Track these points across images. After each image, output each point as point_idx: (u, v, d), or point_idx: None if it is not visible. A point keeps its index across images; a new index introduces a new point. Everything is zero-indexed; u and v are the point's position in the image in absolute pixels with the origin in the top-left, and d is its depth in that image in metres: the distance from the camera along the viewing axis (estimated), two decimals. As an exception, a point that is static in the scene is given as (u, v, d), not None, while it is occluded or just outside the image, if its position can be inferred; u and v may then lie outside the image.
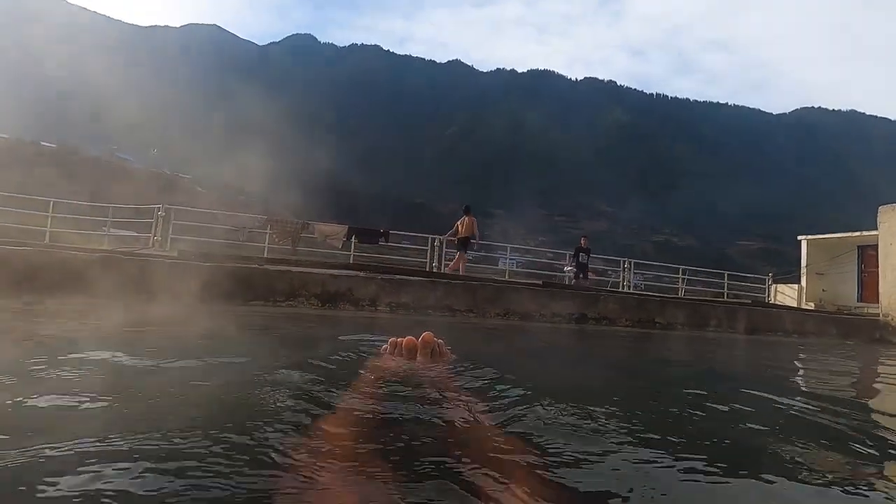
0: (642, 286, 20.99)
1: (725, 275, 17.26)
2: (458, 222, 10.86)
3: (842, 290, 12.29)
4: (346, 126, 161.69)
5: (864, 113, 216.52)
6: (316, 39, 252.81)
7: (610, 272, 17.52)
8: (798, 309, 8.35)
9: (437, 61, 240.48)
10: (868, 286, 9.88)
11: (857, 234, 10.86)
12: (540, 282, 4.25)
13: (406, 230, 15.32)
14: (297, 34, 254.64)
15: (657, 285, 19.03)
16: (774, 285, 15.79)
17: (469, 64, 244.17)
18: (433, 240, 13.48)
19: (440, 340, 1.24)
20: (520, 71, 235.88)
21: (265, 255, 8.45)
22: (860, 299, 11.54)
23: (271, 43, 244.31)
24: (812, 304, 12.40)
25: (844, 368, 2.45)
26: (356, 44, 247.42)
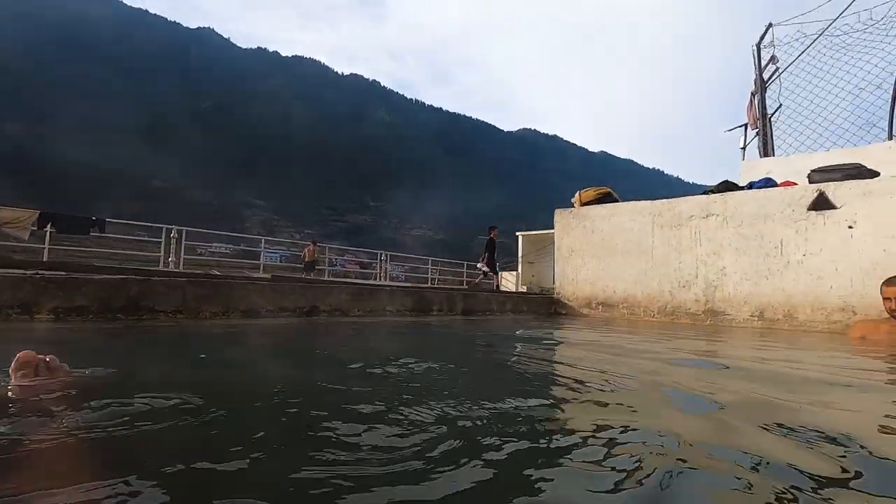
0: (402, 277, 22.64)
1: (465, 264, 20.08)
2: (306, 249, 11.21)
3: (545, 276, 15.50)
4: (50, 84, 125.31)
5: (563, 138, 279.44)
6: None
7: (374, 264, 18.36)
8: (502, 291, 10.18)
9: (184, 24, 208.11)
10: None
11: (552, 231, 13.98)
12: (269, 276, 4.05)
13: (144, 220, 12.70)
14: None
15: (413, 275, 20.82)
16: (501, 272, 19.05)
17: (225, 36, 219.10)
18: (170, 231, 11.66)
19: (47, 357, 1.03)
20: (284, 54, 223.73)
21: None
22: (554, 282, 14.86)
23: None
24: (525, 287, 15.29)
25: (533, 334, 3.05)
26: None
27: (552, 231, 6.53)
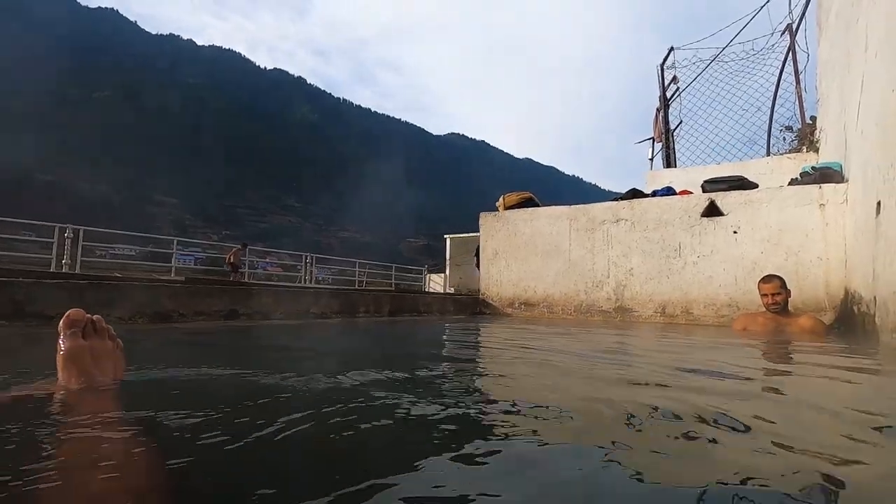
0: (329, 279, 22.05)
1: (393, 267, 20.03)
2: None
3: (472, 278, 15.85)
4: None
5: (489, 143, 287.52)
6: None
7: (299, 267, 17.75)
8: (428, 293, 10.33)
9: (82, 3, 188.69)
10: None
11: (479, 234, 14.34)
12: (182, 277, 3.83)
13: (36, 218, 11.28)
14: None
15: (341, 278, 20.39)
16: (429, 275, 19.20)
17: (131, 19, 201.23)
18: (64, 230, 10.55)
19: (94, 317, 1.02)
20: (199, 43, 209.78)
21: None
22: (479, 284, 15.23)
23: None
24: (453, 289, 15.53)
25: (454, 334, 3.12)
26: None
27: (479, 234, 6.73)
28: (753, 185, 5.16)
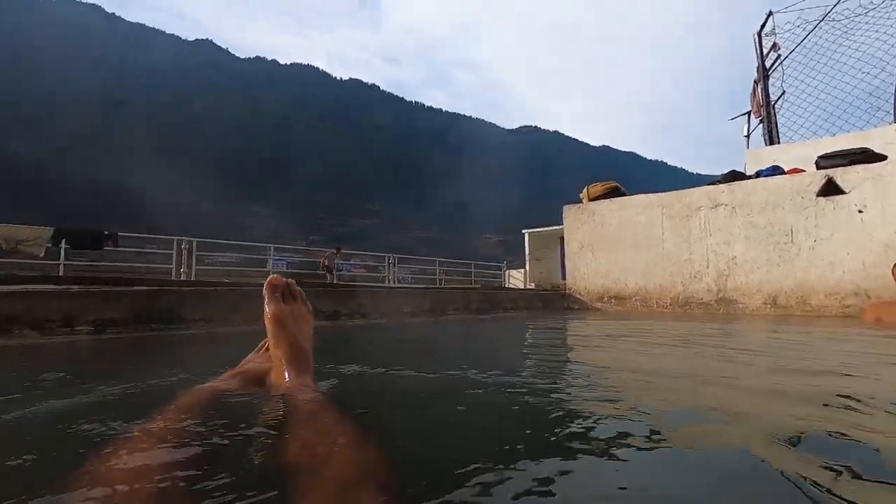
0: (409, 279, 22.71)
1: (472, 264, 20.15)
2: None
3: (553, 272, 15.53)
4: (51, 104, 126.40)
5: (563, 134, 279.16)
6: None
7: (381, 268, 18.46)
8: (513, 289, 10.24)
9: (182, 37, 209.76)
10: (565, 268, 12.76)
11: (559, 227, 13.99)
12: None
13: (147, 232, 12.90)
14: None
15: (421, 277, 20.90)
16: (508, 271, 19.10)
17: (224, 47, 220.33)
18: (180, 242, 11.80)
19: (288, 282, 1.13)
20: (283, 62, 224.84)
21: None
22: (562, 278, 14.88)
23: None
24: (534, 284, 15.33)
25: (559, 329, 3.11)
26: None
27: (559, 227, 6.59)
28: (881, 157, 4.56)
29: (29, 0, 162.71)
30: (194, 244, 12.05)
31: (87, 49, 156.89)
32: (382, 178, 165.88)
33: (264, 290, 1.08)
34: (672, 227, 5.53)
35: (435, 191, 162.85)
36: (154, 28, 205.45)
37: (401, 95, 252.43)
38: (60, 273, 9.73)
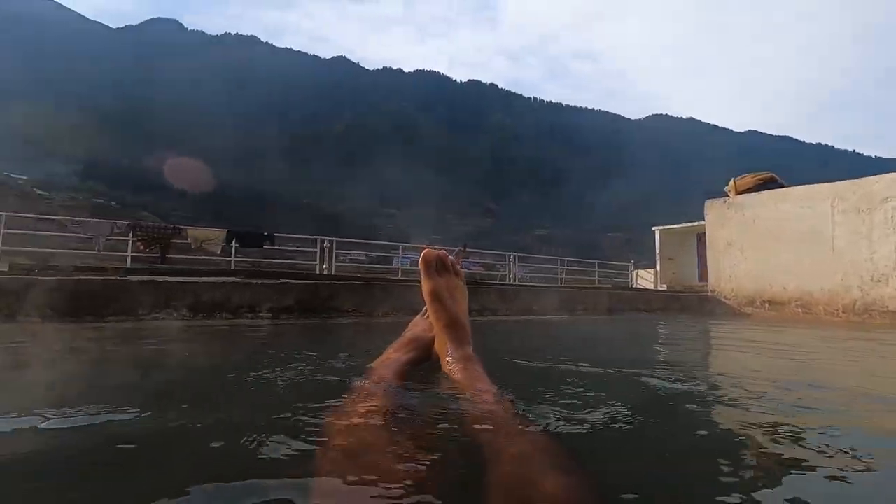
0: (527, 277, 22.51)
1: (596, 264, 19.30)
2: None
3: (687, 272, 14.27)
4: (220, 122, 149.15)
5: (700, 120, 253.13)
6: (181, 25, 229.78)
7: (499, 266, 18.58)
8: (647, 290, 9.57)
9: (321, 56, 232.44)
10: (704, 268, 11.64)
11: (696, 224, 12.76)
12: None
13: (293, 232, 14.67)
14: (158, 18, 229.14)
15: (540, 276, 20.56)
16: (636, 271, 17.94)
17: (355, 61, 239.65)
18: (322, 241, 13.11)
19: (442, 253, 1.17)
20: (406, 70, 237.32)
21: (128, 266, 7.55)
22: (700, 279, 13.56)
23: (127, 26, 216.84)
24: (665, 286, 14.23)
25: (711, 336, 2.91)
26: (230, 33, 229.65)
27: (696, 224, 6.04)
28: None
29: (195, 49, 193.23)
30: (334, 243, 13.34)
31: (242, 71, 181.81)
32: (501, 176, 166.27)
33: (420, 265, 1.11)
34: (846, 223, 4.74)
35: (555, 188, 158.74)
36: (299, 51, 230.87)
37: (519, 92, 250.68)
38: (232, 267, 11.48)
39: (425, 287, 1.11)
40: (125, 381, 1.28)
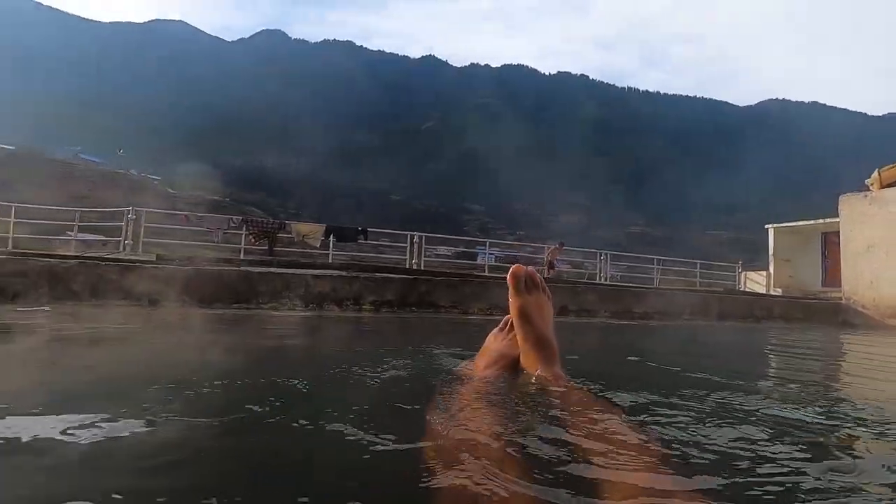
0: (618, 277, 21.40)
1: (698, 264, 17.82)
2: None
3: (807, 276, 12.75)
4: (319, 124, 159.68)
5: (824, 104, 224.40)
6: (286, 35, 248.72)
7: (586, 264, 17.84)
8: (765, 295, 8.66)
9: (411, 56, 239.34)
10: (831, 271, 10.30)
11: (821, 221, 11.25)
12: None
13: (384, 227, 15.29)
14: (266, 30, 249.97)
15: (632, 276, 19.45)
16: (744, 273, 16.34)
17: (443, 59, 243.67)
18: (412, 237, 13.48)
19: (529, 269, 1.16)
20: (494, 66, 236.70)
21: (241, 257, 8.33)
22: (824, 284, 12.02)
23: (240, 39, 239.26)
24: (780, 290, 12.83)
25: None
26: (328, 39, 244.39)
27: (821, 221, 5.33)
28: None
29: (292, 50, 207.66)
30: (423, 239, 13.68)
31: (348, 80, 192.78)
32: (592, 170, 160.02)
33: (508, 280, 1.09)
34: None
35: (650, 182, 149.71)
36: (390, 52, 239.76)
37: (612, 82, 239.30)
38: (330, 260, 12.24)
39: (514, 305, 1.09)
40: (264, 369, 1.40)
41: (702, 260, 18.78)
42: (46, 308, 2.54)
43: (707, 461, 0.74)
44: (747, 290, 15.04)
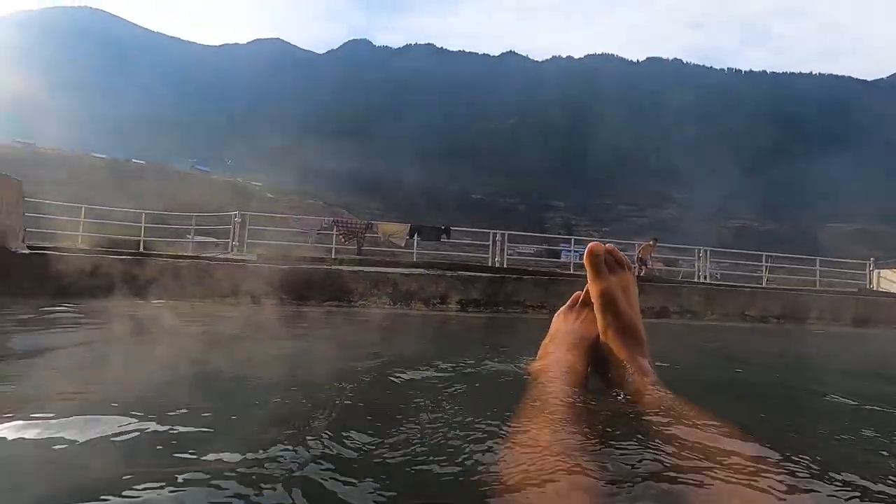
0: (718, 275, 19.64)
1: (818, 261, 15.70)
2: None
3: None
4: (405, 126, 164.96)
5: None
6: (371, 43, 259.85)
7: (681, 261, 16.55)
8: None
9: (491, 54, 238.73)
10: None
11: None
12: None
13: (466, 226, 15.34)
14: (353, 40, 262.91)
15: (734, 274, 17.72)
16: (877, 271, 14.18)
17: (523, 54, 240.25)
18: (494, 235, 13.38)
19: (609, 247, 1.01)
20: (577, 57, 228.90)
21: (333, 256, 8.76)
22: None
23: (329, 51, 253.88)
24: (925, 291, 11.06)
25: None
26: (410, 44, 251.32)
27: None
28: None
29: (377, 57, 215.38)
30: (506, 237, 13.52)
31: (432, 82, 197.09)
32: (689, 162, 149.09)
33: (585, 260, 0.95)
34: None
35: (757, 172, 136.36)
36: (470, 52, 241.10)
37: (709, 65, 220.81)
38: (414, 259, 12.51)
39: (595, 287, 0.94)
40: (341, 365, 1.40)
41: (821, 256, 16.61)
42: (164, 302, 2.80)
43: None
44: (880, 290, 13.09)
